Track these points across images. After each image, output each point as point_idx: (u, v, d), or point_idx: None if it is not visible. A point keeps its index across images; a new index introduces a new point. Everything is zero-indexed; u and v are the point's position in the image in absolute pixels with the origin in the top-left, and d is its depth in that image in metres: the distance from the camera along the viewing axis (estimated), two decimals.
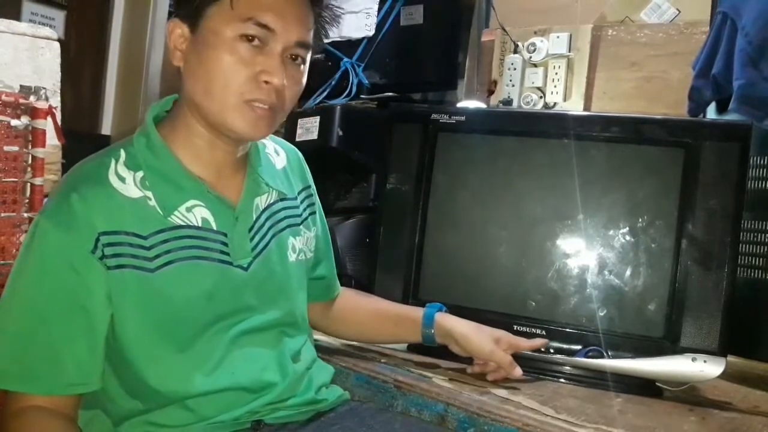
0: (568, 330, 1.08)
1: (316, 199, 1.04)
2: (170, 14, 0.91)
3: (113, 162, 0.81)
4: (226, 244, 0.84)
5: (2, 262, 1.22)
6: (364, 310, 1.10)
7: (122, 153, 0.82)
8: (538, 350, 1.06)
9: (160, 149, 0.82)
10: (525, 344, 1.05)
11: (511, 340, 1.04)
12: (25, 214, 1.24)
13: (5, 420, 0.77)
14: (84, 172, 0.81)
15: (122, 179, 0.80)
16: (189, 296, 0.81)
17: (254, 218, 0.88)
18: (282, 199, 0.94)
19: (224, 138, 0.84)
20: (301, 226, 0.96)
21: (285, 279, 0.91)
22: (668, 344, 1.02)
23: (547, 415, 0.91)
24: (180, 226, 0.81)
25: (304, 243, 0.96)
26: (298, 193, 0.98)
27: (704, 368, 1.00)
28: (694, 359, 1.00)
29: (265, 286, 0.88)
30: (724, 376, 1.02)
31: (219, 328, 0.84)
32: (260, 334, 0.88)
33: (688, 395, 1.06)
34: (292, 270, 0.93)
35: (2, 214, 1.21)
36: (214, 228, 0.84)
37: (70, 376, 0.77)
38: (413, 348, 1.19)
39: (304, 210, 0.99)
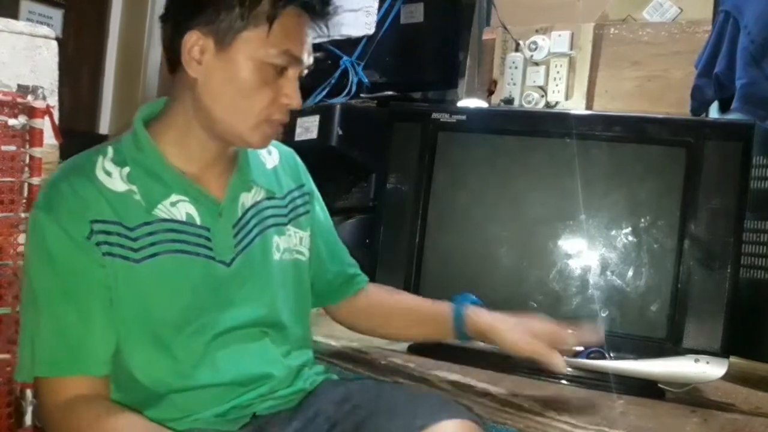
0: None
1: (316, 199, 1.04)
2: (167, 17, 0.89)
3: (101, 158, 0.84)
4: (209, 239, 0.86)
5: (1, 262, 1.21)
6: (393, 307, 1.07)
7: (110, 150, 0.85)
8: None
9: (144, 145, 0.85)
10: (572, 338, 0.94)
11: (553, 334, 0.93)
12: (23, 214, 1.23)
13: (54, 415, 0.80)
14: (72, 167, 0.85)
15: (108, 174, 0.83)
16: (172, 288, 0.83)
17: (239, 215, 0.89)
18: (269, 198, 0.94)
19: (220, 142, 0.87)
20: (288, 226, 0.96)
21: (267, 277, 0.91)
22: (670, 345, 1.01)
23: (549, 417, 0.91)
24: (164, 220, 0.84)
25: (292, 243, 0.96)
26: (288, 193, 0.98)
27: (707, 369, 0.99)
28: (696, 360, 1.00)
29: (247, 283, 0.89)
30: (726, 377, 1.01)
31: (201, 324, 0.85)
32: (243, 331, 0.88)
33: (690, 396, 1.05)
34: (275, 269, 0.93)
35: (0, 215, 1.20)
36: (198, 223, 0.86)
37: (101, 354, 0.80)
38: (414, 349, 1.19)
39: (294, 209, 0.98)
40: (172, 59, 0.84)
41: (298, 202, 0.99)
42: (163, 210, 0.84)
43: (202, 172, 0.87)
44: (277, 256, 0.93)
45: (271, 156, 0.98)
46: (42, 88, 1.23)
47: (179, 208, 0.85)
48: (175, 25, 0.83)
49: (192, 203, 0.85)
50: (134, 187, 0.83)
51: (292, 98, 0.85)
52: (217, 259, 0.86)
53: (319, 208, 1.04)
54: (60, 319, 0.79)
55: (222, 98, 0.83)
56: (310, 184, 1.03)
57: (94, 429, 0.76)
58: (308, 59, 0.87)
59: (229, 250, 0.87)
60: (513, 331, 0.94)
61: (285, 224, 0.96)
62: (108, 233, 0.81)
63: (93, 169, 0.83)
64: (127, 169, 0.84)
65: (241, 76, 0.82)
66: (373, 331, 1.11)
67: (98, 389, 0.80)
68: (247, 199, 0.91)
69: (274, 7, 0.80)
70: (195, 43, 0.81)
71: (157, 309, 0.83)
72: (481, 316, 0.98)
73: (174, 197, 0.84)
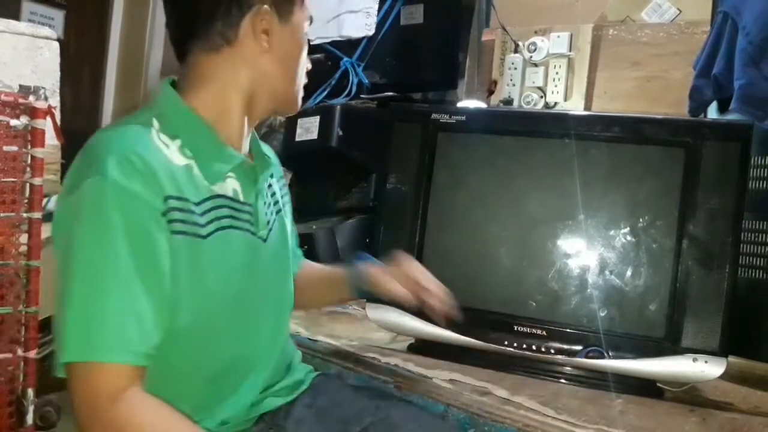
0: (568, 330, 1.07)
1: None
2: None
3: (152, 129, 0.80)
4: (252, 215, 0.87)
5: (1, 262, 1.21)
6: (308, 278, 1.09)
7: (154, 121, 0.81)
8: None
9: (194, 120, 0.83)
10: (425, 282, 0.99)
11: (410, 273, 1.00)
12: (25, 215, 1.23)
13: (102, 407, 0.69)
14: (130, 135, 0.77)
15: (167, 146, 0.79)
16: (232, 264, 0.83)
17: (266, 193, 0.93)
18: (276, 180, 0.98)
19: (268, 114, 0.94)
20: (282, 210, 0.99)
21: (285, 254, 0.96)
22: (669, 345, 1.02)
23: (548, 416, 0.91)
24: (218, 195, 0.83)
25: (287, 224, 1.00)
26: (280, 177, 1.02)
27: (705, 369, 1.00)
28: (695, 360, 1.00)
29: (275, 260, 0.92)
30: (725, 376, 1.01)
31: (244, 296, 0.85)
32: (268, 307, 0.90)
33: (689, 396, 1.06)
34: (287, 247, 0.97)
35: (1, 215, 1.21)
36: (242, 199, 0.86)
37: (156, 341, 0.73)
38: (414, 348, 1.19)
39: (284, 194, 1.02)
40: (216, 40, 0.84)
41: (285, 189, 1.03)
42: (218, 185, 0.83)
43: (241, 150, 0.88)
44: (287, 236, 0.97)
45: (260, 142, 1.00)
46: (43, 88, 1.24)
47: (228, 183, 0.84)
48: (237, 3, 0.83)
49: (237, 179, 0.85)
50: (191, 162, 0.81)
51: (308, 61, 0.93)
52: (257, 235, 0.87)
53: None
54: (135, 300, 0.71)
55: (281, 66, 0.88)
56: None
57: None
58: None
59: (264, 226, 0.89)
60: (386, 275, 1.00)
61: (284, 207, 0.99)
62: (179, 210, 0.77)
63: (152, 138, 0.78)
64: (178, 142, 0.80)
65: (296, 45, 0.89)
66: (303, 305, 1.10)
67: (141, 380, 0.72)
68: (266, 178, 0.93)
69: None
70: (263, 16, 0.84)
71: (215, 286, 0.80)
72: (370, 269, 1.02)
73: (227, 173, 0.84)
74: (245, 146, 0.90)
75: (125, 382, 0.70)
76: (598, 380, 1.06)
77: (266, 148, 1.01)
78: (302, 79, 0.92)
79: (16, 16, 2.32)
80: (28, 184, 1.23)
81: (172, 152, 0.79)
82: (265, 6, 0.84)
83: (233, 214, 0.84)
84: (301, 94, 0.93)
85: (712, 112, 1.50)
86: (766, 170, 1.14)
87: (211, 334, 0.81)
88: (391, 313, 1.16)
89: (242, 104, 0.86)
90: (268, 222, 0.91)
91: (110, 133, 0.78)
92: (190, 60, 0.85)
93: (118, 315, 0.71)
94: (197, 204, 0.79)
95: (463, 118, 1.18)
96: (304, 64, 0.92)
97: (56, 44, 1.36)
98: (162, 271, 0.74)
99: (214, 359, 0.83)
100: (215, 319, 0.81)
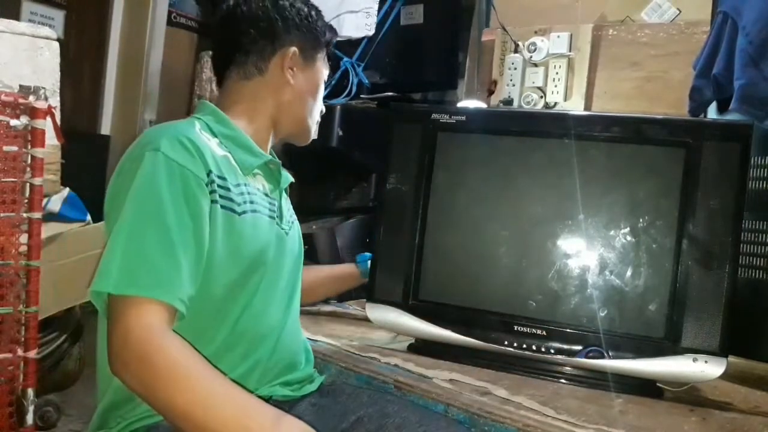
0: (568, 330, 1.07)
1: None
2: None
3: (195, 126, 0.93)
4: (277, 208, 1.00)
5: (1, 262, 1.21)
6: (315, 277, 1.31)
7: (196, 123, 0.94)
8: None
9: (230, 124, 0.98)
10: None
11: None
12: (25, 215, 1.24)
13: (144, 337, 0.74)
14: (179, 128, 0.90)
15: (208, 139, 0.93)
16: (261, 243, 0.93)
17: (285, 198, 1.06)
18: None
19: (280, 135, 1.07)
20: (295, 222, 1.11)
21: (300, 255, 1.07)
22: (669, 344, 1.02)
23: (548, 416, 0.91)
24: (251, 185, 0.96)
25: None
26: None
27: (705, 369, 1.00)
28: (694, 360, 1.00)
29: (293, 254, 1.03)
30: (724, 376, 1.01)
31: (267, 273, 0.94)
32: (284, 292, 1.00)
33: (688, 396, 1.06)
34: (302, 251, 1.09)
35: (1, 214, 1.21)
36: (269, 194, 1.00)
37: (185, 288, 0.80)
38: (414, 348, 1.19)
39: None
40: (251, 70, 1.01)
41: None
42: (250, 177, 0.97)
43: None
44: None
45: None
46: (44, 88, 1.24)
47: (257, 179, 0.99)
48: (271, 42, 1.02)
49: (264, 177, 1.00)
50: (228, 154, 0.94)
51: (323, 105, 1.11)
52: (282, 226, 1.00)
53: None
54: (174, 248, 0.79)
55: (303, 99, 1.05)
56: None
57: (200, 370, 0.74)
58: None
59: (287, 223, 1.03)
60: None
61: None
62: (220, 186, 0.88)
63: (197, 132, 0.91)
64: (216, 140, 0.94)
65: (317, 85, 1.08)
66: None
67: (172, 322, 0.79)
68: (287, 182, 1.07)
69: (331, 35, 1.11)
70: (291, 56, 1.02)
71: (245, 260, 0.90)
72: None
73: (257, 169, 0.98)
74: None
75: (157, 317, 0.76)
76: (597, 380, 1.06)
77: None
78: (316, 118, 1.09)
79: (16, 16, 2.32)
80: (28, 184, 1.24)
81: (213, 145, 0.92)
82: (293, 48, 1.03)
83: (263, 203, 0.96)
84: (314, 129, 1.09)
85: (712, 112, 1.50)
86: (766, 170, 1.14)
87: (234, 304, 0.90)
88: (391, 313, 1.16)
89: (268, 122, 1.03)
90: (289, 221, 1.04)
91: (161, 127, 0.92)
92: (227, 85, 1.03)
93: (157, 257, 0.79)
94: (234, 186, 0.91)
95: (463, 118, 1.18)
96: (319, 105, 1.09)
97: (56, 44, 1.36)
98: (202, 231, 0.83)
99: (230, 328, 0.90)
100: (241, 291, 0.90)
